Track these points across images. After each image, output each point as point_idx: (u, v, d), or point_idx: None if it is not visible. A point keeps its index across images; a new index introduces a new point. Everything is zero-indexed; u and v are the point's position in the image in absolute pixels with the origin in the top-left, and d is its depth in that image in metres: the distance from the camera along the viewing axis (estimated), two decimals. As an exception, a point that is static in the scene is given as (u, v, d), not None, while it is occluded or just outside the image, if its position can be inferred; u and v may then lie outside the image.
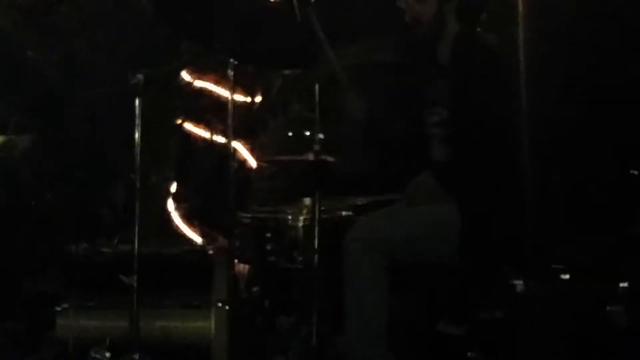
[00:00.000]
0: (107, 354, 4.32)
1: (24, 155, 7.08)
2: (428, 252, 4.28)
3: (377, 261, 4.18)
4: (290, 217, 4.70)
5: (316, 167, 4.41)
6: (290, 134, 5.84)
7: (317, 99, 4.49)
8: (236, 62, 4.37)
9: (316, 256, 4.30)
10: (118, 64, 6.24)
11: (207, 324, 4.49)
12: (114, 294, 4.40)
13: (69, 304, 4.58)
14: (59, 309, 4.60)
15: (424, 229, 4.27)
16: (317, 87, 4.51)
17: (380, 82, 5.63)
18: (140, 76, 4.37)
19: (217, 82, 5.90)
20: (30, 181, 6.58)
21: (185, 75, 6.08)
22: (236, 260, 4.59)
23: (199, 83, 6.03)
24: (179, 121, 6.05)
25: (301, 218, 4.66)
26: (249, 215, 4.87)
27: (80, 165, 6.13)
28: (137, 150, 4.34)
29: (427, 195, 4.33)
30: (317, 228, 4.31)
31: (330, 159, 4.44)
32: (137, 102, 4.36)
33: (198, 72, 6.04)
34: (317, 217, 4.33)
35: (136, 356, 4.27)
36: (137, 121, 4.35)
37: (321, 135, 4.44)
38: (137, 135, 4.35)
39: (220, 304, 4.50)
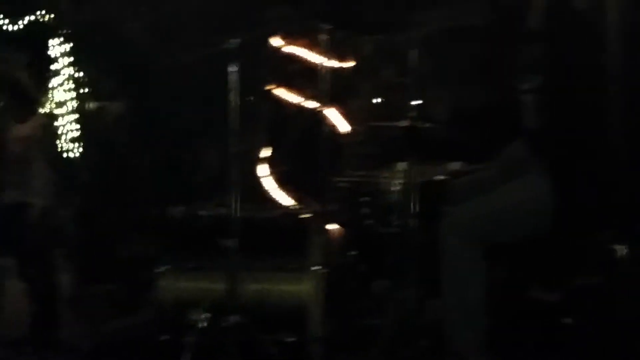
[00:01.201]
0: (205, 316, 4.38)
1: (118, 121, 7.22)
2: (524, 227, 4.24)
3: (476, 246, 4.14)
4: (385, 182, 4.70)
5: (410, 133, 4.40)
6: (381, 99, 5.84)
7: (409, 64, 4.47)
8: (328, 27, 4.36)
9: (412, 220, 4.29)
10: (208, 31, 6.29)
11: (303, 288, 4.52)
12: (212, 257, 4.47)
13: (168, 266, 4.66)
14: (158, 271, 4.68)
15: (520, 206, 4.22)
16: (409, 52, 4.49)
17: (468, 47, 5.58)
18: (234, 41, 4.40)
19: (307, 48, 5.89)
20: (125, 146, 6.71)
21: (275, 41, 6.10)
22: (331, 225, 4.62)
23: (289, 49, 6.04)
24: (271, 87, 6.08)
25: (396, 182, 4.66)
26: (344, 180, 4.88)
27: (175, 131, 6.21)
28: (232, 115, 4.38)
29: (519, 165, 4.28)
30: (412, 193, 4.30)
31: (424, 125, 4.43)
32: (231, 67, 4.40)
33: (288, 38, 6.04)
34: (412, 181, 4.32)
35: (233, 318, 4.33)
36: (232, 86, 4.38)
37: (415, 102, 4.42)
38: (232, 100, 4.39)
39: (315, 268, 4.53)
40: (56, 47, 8.54)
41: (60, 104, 8.29)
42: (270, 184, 5.67)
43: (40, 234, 6.12)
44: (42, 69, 8.46)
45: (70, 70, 8.39)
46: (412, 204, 4.30)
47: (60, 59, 8.47)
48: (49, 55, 8.52)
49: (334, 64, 5.79)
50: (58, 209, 6.30)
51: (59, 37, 8.21)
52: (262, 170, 5.77)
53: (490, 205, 4.25)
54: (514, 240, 4.21)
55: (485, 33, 5.48)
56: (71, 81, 8.39)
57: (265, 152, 5.87)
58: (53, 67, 8.44)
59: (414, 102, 4.43)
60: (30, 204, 6.09)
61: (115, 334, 5.38)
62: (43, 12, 8.08)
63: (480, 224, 4.16)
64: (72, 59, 8.31)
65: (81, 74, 8.03)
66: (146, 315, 4.98)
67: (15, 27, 8.18)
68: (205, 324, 4.35)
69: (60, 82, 8.36)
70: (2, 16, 7.99)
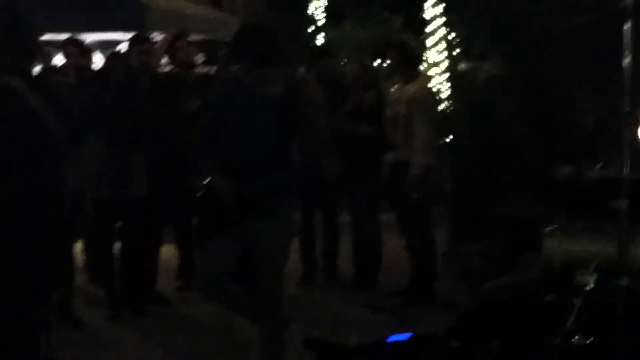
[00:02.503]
0: (593, 278, 4.30)
1: (489, 81, 7.22)
2: None
3: None
4: None
5: None
6: None
7: None
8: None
9: None
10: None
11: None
12: (600, 218, 4.38)
13: (556, 226, 4.63)
14: (546, 230, 4.66)
15: None
16: None
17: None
18: (629, 1, 4.26)
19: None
20: (500, 106, 6.71)
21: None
22: None
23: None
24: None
25: None
26: None
27: (556, 89, 6.13)
28: (626, 73, 4.25)
29: None
30: None
31: None
32: (627, 26, 4.26)
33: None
34: None
35: (624, 281, 4.21)
36: (626, 45, 4.24)
37: None
38: (627, 60, 4.25)
39: None
40: (430, 8, 8.73)
41: (434, 65, 8.48)
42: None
43: (420, 191, 6.32)
44: (418, 31, 8.70)
45: (444, 30, 8.55)
46: None
47: (433, 21, 8.66)
48: (423, 17, 8.73)
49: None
50: (438, 167, 6.48)
51: (433, -2, 8.41)
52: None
53: None
54: None
55: None
56: (444, 42, 8.55)
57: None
58: (427, 29, 8.64)
59: None
60: (413, 162, 6.30)
61: (494, 292, 5.43)
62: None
63: None
64: (445, 19, 8.46)
65: (453, 34, 8.11)
66: (528, 274, 4.97)
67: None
68: (592, 286, 4.27)
69: (434, 43, 8.55)
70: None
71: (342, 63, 8.87)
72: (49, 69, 6.54)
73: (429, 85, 7.76)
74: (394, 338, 4.06)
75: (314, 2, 12.59)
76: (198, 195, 4.75)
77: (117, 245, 6.29)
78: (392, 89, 6.92)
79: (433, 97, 7.11)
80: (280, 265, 4.76)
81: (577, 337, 3.85)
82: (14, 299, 3.74)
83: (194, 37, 8.84)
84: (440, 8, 8.52)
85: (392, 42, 7.03)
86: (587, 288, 4.27)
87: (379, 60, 9.80)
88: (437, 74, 8.43)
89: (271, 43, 4.72)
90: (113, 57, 6.57)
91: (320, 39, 10.25)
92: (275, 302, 4.74)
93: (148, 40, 7.25)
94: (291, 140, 4.71)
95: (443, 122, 6.89)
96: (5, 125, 3.60)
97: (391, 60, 6.86)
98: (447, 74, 8.31)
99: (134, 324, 6.15)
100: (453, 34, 8.14)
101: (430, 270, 6.59)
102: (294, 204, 4.94)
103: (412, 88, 6.51)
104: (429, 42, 8.57)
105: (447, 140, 6.95)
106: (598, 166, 4.76)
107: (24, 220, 3.70)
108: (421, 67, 7.99)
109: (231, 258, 4.68)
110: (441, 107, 7.42)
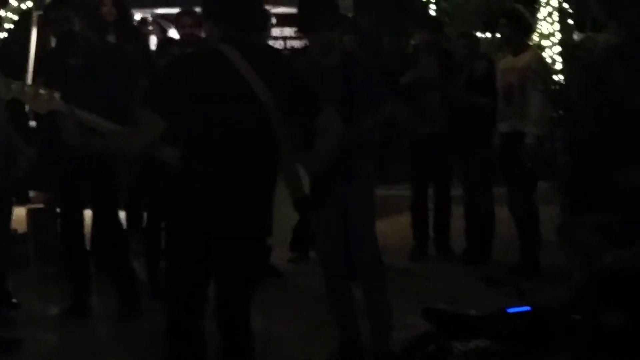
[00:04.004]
0: None
1: (607, 51, 7.07)
2: None
3: None
4: None
5: None
6: None
7: None
8: None
9: None
10: None
11: None
12: None
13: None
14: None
15: None
16: None
17: None
18: None
19: None
20: (619, 77, 6.57)
21: None
22: None
23: None
24: None
25: None
26: None
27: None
28: None
29: None
30: None
31: None
32: None
33: None
34: None
35: None
36: None
37: None
38: None
39: None
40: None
41: (547, 37, 8.38)
42: None
43: (533, 161, 6.25)
44: (530, 1, 8.57)
45: (556, 1, 8.43)
46: None
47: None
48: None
49: None
50: (551, 138, 6.39)
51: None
52: None
53: None
54: None
55: None
56: (557, 12, 8.42)
57: None
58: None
59: None
60: (528, 132, 6.23)
61: (615, 265, 5.34)
62: None
63: None
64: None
65: (566, 5, 7.99)
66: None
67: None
68: None
69: (547, 13, 8.43)
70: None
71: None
72: (168, 41, 6.66)
73: (545, 55, 7.67)
74: (513, 310, 4.03)
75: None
76: None
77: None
78: (503, 60, 6.83)
79: (546, 68, 7.01)
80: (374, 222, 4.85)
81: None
82: None
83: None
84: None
85: (505, 11, 6.93)
86: None
87: (488, 34, 9.72)
88: (548, 46, 8.33)
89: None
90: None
91: (432, 9, 10.23)
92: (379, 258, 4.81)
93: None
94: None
95: (556, 94, 6.78)
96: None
97: (503, 30, 6.77)
98: (560, 47, 8.20)
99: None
100: (566, 5, 8.02)
101: (538, 243, 6.54)
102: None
103: (525, 58, 6.42)
104: (541, 13, 8.45)
105: (560, 112, 6.85)
106: None
107: None
108: (534, 39, 7.90)
109: (339, 225, 4.76)
110: (557, 78, 7.32)
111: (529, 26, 6.84)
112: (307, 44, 6.93)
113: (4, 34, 7.39)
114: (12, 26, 7.61)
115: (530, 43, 7.01)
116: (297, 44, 8.44)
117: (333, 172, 4.47)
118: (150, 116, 3.54)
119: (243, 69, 3.53)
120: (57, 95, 3.71)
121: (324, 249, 4.92)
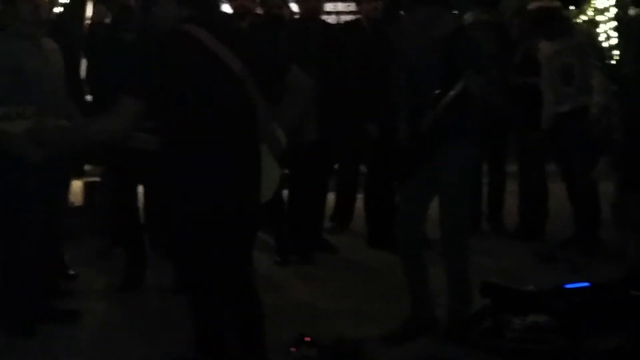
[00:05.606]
0: None
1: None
2: None
3: None
4: None
5: None
6: None
7: None
8: None
9: None
10: None
11: None
12: None
13: None
14: None
15: None
16: None
17: None
18: None
19: None
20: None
21: None
22: None
23: None
24: None
25: None
26: None
27: None
28: None
29: None
30: None
31: None
32: None
33: None
34: None
35: None
36: None
37: None
38: None
39: None
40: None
41: (601, 12, 8.26)
42: None
43: (601, 131, 6.20)
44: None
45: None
46: None
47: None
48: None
49: None
50: (611, 113, 6.32)
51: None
52: None
53: None
54: None
55: None
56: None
57: None
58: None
59: None
60: (593, 103, 6.18)
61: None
62: None
63: None
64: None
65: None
66: None
67: None
68: None
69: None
70: None
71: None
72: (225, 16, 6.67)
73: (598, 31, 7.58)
74: (571, 286, 4.02)
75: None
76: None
77: (285, 193, 6.37)
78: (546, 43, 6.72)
79: (601, 44, 6.94)
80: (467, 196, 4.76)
81: None
82: None
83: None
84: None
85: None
86: None
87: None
88: (603, 21, 8.22)
89: None
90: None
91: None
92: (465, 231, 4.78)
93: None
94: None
95: (612, 69, 6.72)
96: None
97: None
98: (615, 21, 8.09)
99: (300, 269, 6.26)
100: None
101: (596, 220, 6.48)
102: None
103: (578, 37, 6.37)
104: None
105: (615, 88, 6.78)
106: None
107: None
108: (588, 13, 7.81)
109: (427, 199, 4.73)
110: (610, 54, 7.24)
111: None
112: (359, 17, 6.98)
113: (60, 9, 7.45)
114: (67, 0, 7.67)
115: (585, 17, 6.93)
116: (348, 18, 8.40)
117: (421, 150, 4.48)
118: (126, 101, 3.55)
119: (212, 45, 3.61)
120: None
121: (405, 216, 4.80)
